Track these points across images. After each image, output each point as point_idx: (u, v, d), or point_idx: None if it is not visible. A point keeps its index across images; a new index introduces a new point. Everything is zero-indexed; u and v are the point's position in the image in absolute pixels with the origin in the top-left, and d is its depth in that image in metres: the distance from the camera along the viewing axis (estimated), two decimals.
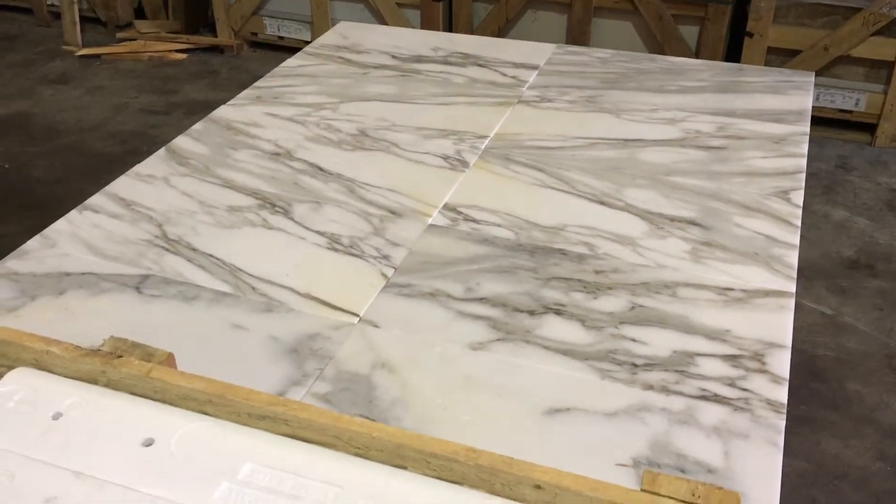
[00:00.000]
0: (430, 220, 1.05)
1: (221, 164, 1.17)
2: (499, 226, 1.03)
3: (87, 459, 0.49)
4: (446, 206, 1.08)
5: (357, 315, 0.89)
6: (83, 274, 0.95)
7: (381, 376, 0.80)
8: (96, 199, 1.09)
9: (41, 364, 0.56)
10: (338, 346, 0.84)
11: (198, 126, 1.28)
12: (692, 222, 1.03)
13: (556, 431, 0.74)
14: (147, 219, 1.05)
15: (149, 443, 0.50)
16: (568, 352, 0.83)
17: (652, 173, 1.14)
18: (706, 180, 1.12)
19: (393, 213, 1.07)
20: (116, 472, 0.49)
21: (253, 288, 0.93)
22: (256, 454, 0.49)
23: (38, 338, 0.56)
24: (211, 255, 0.99)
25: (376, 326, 0.87)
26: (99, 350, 0.55)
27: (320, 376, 0.80)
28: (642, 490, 0.44)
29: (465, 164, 1.17)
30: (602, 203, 1.07)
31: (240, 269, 0.96)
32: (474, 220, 1.05)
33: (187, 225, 1.04)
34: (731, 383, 0.78)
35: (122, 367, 0.54)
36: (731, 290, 0.91)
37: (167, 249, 1.00)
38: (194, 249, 1.00)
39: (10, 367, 0.56)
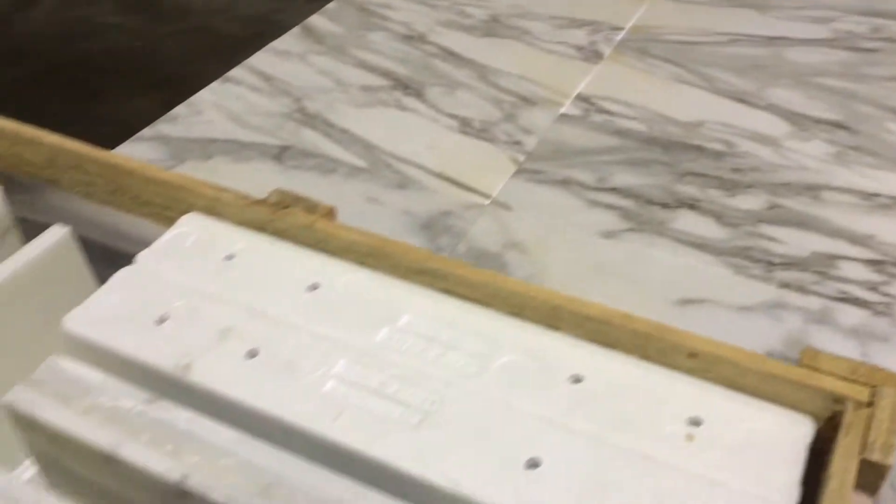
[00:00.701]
0: (562, 110, 1.04)
1: (355, 44, 1.18)
2: (633, 118, 1.02)
3: (258, 297, 0.53)
4: (579, 97, 1.06)
5: (489, 196, 0.90)
6: (227, 141, 0.99)
7: (513, 256, 0.82)
8: (237, 72, 1.12)
9: (213, 210, 0.59)
10: (470, 225, 0.86)
11: (332, 6, 1.29)
12: (839, 125, 0.98)
13: (687, 321, 0.74)
14: (285, 93, 1.08)
15: (314, 287, 0.53)
16: (702, 246, 0.82)
17: (797, 73, 1.09)
18: (856, 83, 1.06)
19: (525, 100, 1.06)
20: (285, 311, 0.52)
21: (387, 164, 0.96)
22: (414, 306, 0.52)
23: (211, 185, 0.59)
24: (347, 131, 1.01)
25: (507, 208, 0.89)
26: (266, 200, 0.58)
27: (453, 252, 0.82)
28: (801, 365, 0.44)
29: (599, 55, 1.15)
30: (742, 101, 1.04)
31: (374, 146, 0.98)
32: (608, 112, 1.03)
33: (324, 101, 1.06)
34: (873, 288, 0.76)
35: (287, 217, 0.56)
36: (878, 195, 0.87)
37: (305, 123, 1.02)
38: (331, 125, 1.02)
39: (184, 212, 0.60)
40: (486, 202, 0.90)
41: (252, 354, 0.49)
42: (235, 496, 0.43)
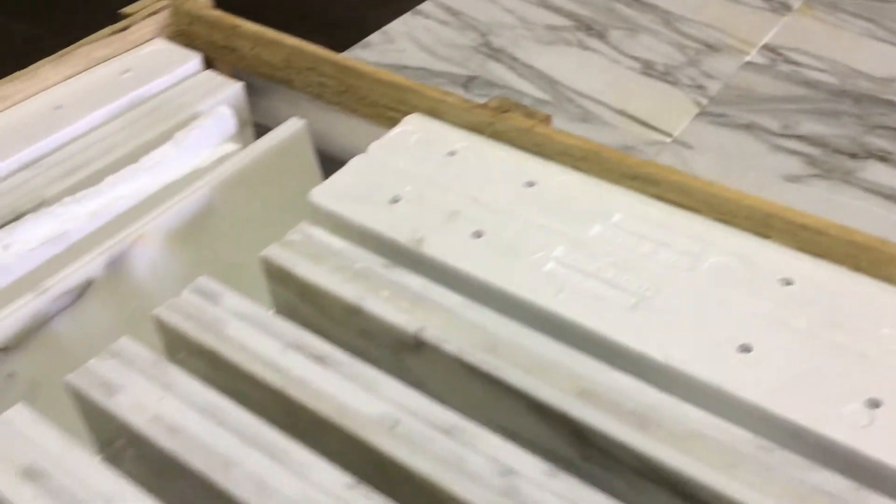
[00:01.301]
0: (747, 58, 1.04)
1: None
2: (822, 70, 1.00)
3: (480, 189, 0.58)
4: (766, 47, 1.06)
5: (670, 135, 0.92)
6: (418, 69, 1.04)
7: None
8: (426, 6, 1.18)
9: (435, 112, 0.64)
10: (652, 160, 0.88)
11: None
12: None
13: None
14: (472, 28, 1.12)
15: (530, 184, 0.58)
16: (891, 196, 0.82)
17: None
18: None
19: (709, 46, 1.07)
20: (506, 202, 0.56)
21: (569, 99, 0.99)
22: (626, 206, 0.55)
23: (434, 88, 0.64)
24: (530, 66, 1.04)
25: (689, 147, 0.90)
26: (487, 104, 0.62)
27: None
28: None
29: (787, 7, 1.13)
30: None
31: (557, 82, 1.02)
32: (795, 63, 1.02)
33: (509, 37, 1.10)
34: None
35: (508, 120, 0.61)
36: None
37: (491, 57, 1.07)
38: (515, 59, 1.06)
39: (406, 114, 0.65)
40: (668, 140, 0.92)
41: (478, 235, 0.54)
42: (466, 349, 0.48)
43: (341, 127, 0.79)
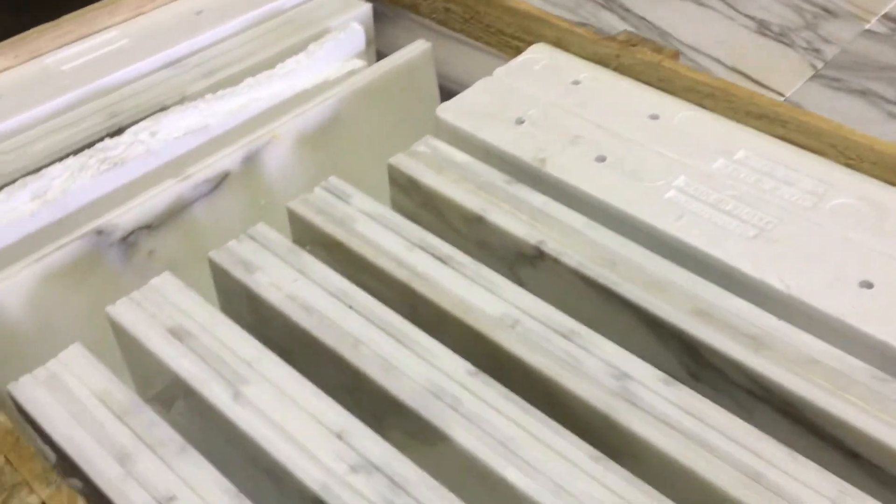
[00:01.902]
0: (866, 26, 1.01)
1: None
2: None
3: (603, 116, 0.59)
4: (886, 16, 1.03)
5: (782, 95, 0.91)
6: None
7: None
8: None
9: (560, 42, 0.65)
10: None
11: None
12: None
13: None
14: None
15: (654, 117, 0.59)
16: None
17: None
18: None
19: (827, 12, 1.04)
20: (629, 131, 0.57)
21: (681, 53, 0.98)
22: (750, 144, 0.56)
23: (561, 18, 0.65)
24: (643, 18, 1.04)
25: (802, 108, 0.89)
26: (615, 37, 0.63)
27: None
28: None
29: None
30: None
31: (669, 34, 1.01)
32: None
33: None
34: None
35: (635, 54, 0.61)
36: None
37: (603, 6, 1.06)
38: (628, 10, 1.06)
39: (531, 43, 0.66)
40: (780, 100, 0.90)
41: (600, 159, 0.56)
42: (585, 263, 0.49)
43: (461, 57, 0.81)
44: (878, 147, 0.52)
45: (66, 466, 0.41)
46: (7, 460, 0.37)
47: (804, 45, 0.99)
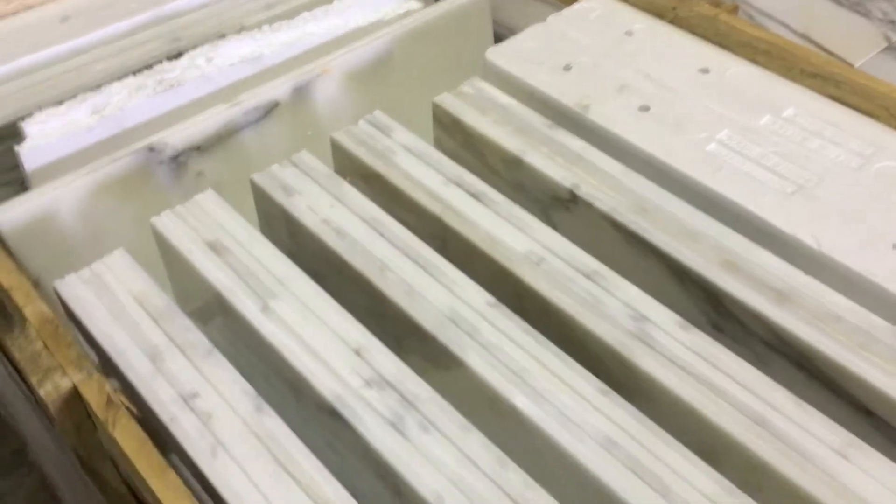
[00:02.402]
0: None
1: None
2: None
3: (652, 67, 0.58)
4: None
5: (851, 66, 0.88)
6: None
7: None
8: None
9: None
10: None
11: None
12: None
13: None
14: None
15: (705, 70, 0.58)
16: None
17: None
18: None
19: None
20: (677, 82, 0.57)
21: (750, 16, 0.96)
22: (801, 102, 0.55)
23: None
24: None
25: None
26: None
27: None
28: None
29: None
30: None
31: None
32: None
33: None
34: None
35: (693, 6, 0.60)
36: None
37: None
38: None
39: None
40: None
41: (644, 108, 0.55)
42: (617, 209, 0.50)
43: (517, 4, 0.81)
44: None
45: (105, 365, 0.44)
46: (45, 346, 0.39)
47: (880, 16, 0.95)
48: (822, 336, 0.42)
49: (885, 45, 0.91)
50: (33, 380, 0.38)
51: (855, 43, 0.91)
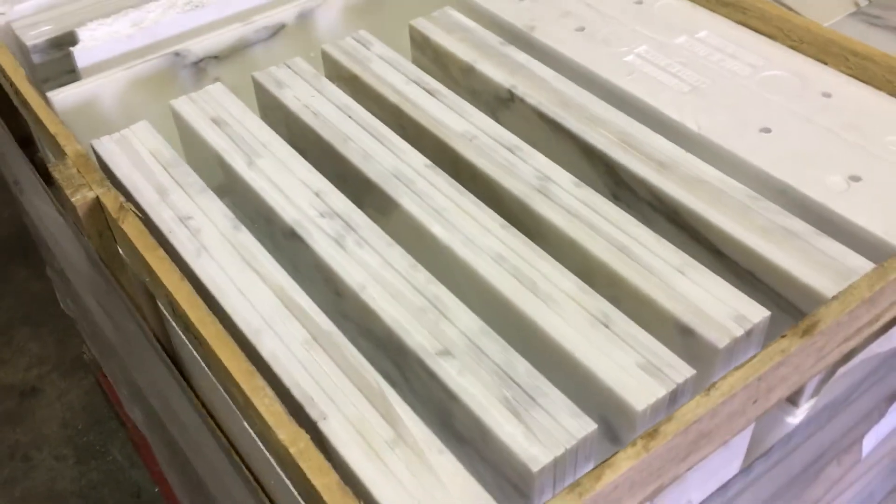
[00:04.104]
0: None
1: None
2: None
3: (595, 0, 0.69)
4: None
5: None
6: None
7: None
8: None
9: None
10: None
11: None
12: None
13: None
14: None
15: (638, 2, 0.68)
16: None
17: None
18: None
19: None
20: (611, 10, 0.67)
21: None
22: (713, 27, 0.65)
23: None
24: None
25: None
26: None
27: None
28: None
29: None
30: None
31: None
32: None
33: None
34: None
35: None
36: None
37: None
38: None
39: None
40: None
41: (580, 30, 0.66)
42: (543, 103, 0.60)
43: None
44: (813, 29, 0.60)
45: (128, 200, 0.57)
46: (77, 171, 0.52)
47: None
48: (689, 195, 0.53)
49: (853, 10, 0.99)
50: (68, 192, 0.50)
51: (824, 6, 1.00)
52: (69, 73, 0.71)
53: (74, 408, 1.17)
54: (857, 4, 1.00)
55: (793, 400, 0.50)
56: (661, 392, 0.42)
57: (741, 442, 0.49)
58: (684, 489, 0.46)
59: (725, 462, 0.49)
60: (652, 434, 0.37)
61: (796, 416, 0.50)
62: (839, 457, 0.53)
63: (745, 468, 0.50)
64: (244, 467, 0.48)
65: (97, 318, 0.66)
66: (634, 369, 0.43)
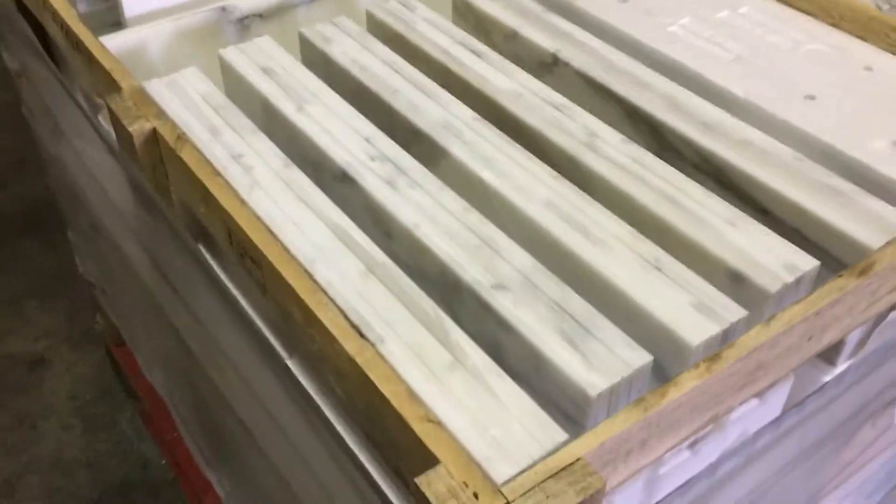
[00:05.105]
0: None
1: None
2: None
3: None
4: None
5: None
6: None
7: None
8: None
9: None
10: None
11: None
12: None
13: None
14: None
15: None
16: None
17: None
18: None
19: None
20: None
21: None
22: (754, 3, 0.66)
23: None
24: None
25: None
26: None
27: None
28: None
29: None
30: None
31: None
32: None
33: None
34: None
35: None
36: None
37: None
38: None
39: None
40: None
41: (623, 1, 0.67)
42: (590, 68, 0.61)
43: None
44: (855, 6, 0.61)
45: None
46: (134, 104, 0.53)
47: None
48: (736, 155, 0.53)
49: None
50: (125, 122, 0.51)
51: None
52: (112, 26, 0.71)
53: (83, 379, 1.16)
54: (878, 8, 1.02)
55: (830, 359, 0.50)
56: (714, 329, 0.43)
57: (781, 392, 0.49)
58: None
59: (761, 416, 0.49)
60: (714, 358, 0.37)
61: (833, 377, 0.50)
62: (874, 418, 0.54)
63: (776, 420, 0.50)
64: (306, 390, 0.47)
65: (134, 265, 0.66)
66: (687, 308, 0.44)
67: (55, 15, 0.63)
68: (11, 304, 1.29)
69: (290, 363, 0.45)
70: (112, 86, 0.55)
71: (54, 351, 1.21)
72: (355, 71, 0.61)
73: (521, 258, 0.47)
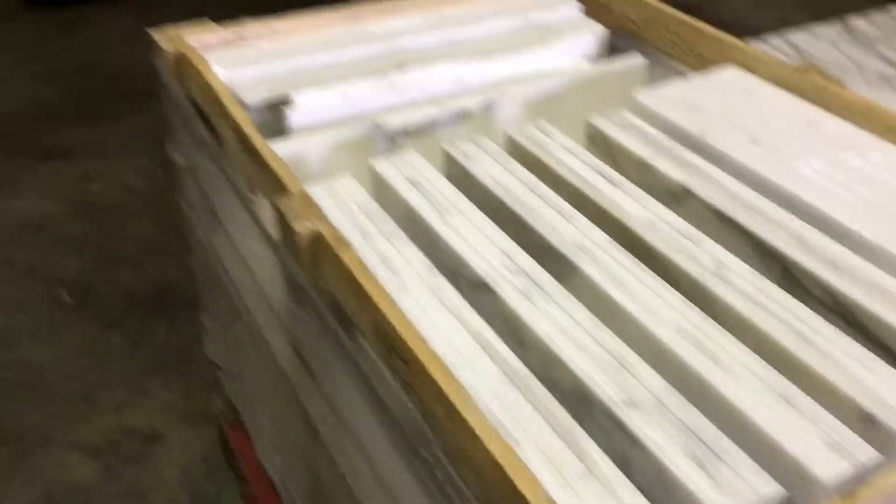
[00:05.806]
0: None
1: None
2: None
3: (767, 118, 0.73)
4: None
5: None
6: None
7: None
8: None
9: (747, 66, 0.81)
10: None
11: None
12: None
13: None
14: None
15: (809, 123, 0.72)
16: None
17: None
18: None
19: None
20: (784, 131, 0.72)
21: None
22: (879, 150, 0.68)
23: (752, 48, 0.81)
24: None
25: None
26: (797, 67, 0.77)
27: None
28: None
29: None
30: None
31: None
32: None
33: None
34: None
35: (808, 77, 0.76)
36: None
37: None
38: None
39: (719, 63, 0.82)
40: None
41: (753, 142, 0.70)
42: (717, 202, 0.64)
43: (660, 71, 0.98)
44: None
45: None
46: (301, 205, 0.59)
47: None
48: (865, 296, 0.55)
49: None
50: (293, 223, 0.56)
51: None
52: (275, 134, 0.79)
53: (194, 456, 1.21)
54: None
55: None
56: (846, 467, 0.43)
57: None
58: None
59: None
60: (849, 494, 0.38)
61: None
62: None
63: None
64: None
65: (272, 349, 0.71)
66: (820, 444, 0.45)
67: (229, 119, 0.71)
68: (134, 379, 1.37)
69: (427, 454, 0.47)
70: (279, 187, 0.61)
71: (170, 427, 1.27)
72: (495, 188, 0.66)
73: (651, 378, 0.49)
